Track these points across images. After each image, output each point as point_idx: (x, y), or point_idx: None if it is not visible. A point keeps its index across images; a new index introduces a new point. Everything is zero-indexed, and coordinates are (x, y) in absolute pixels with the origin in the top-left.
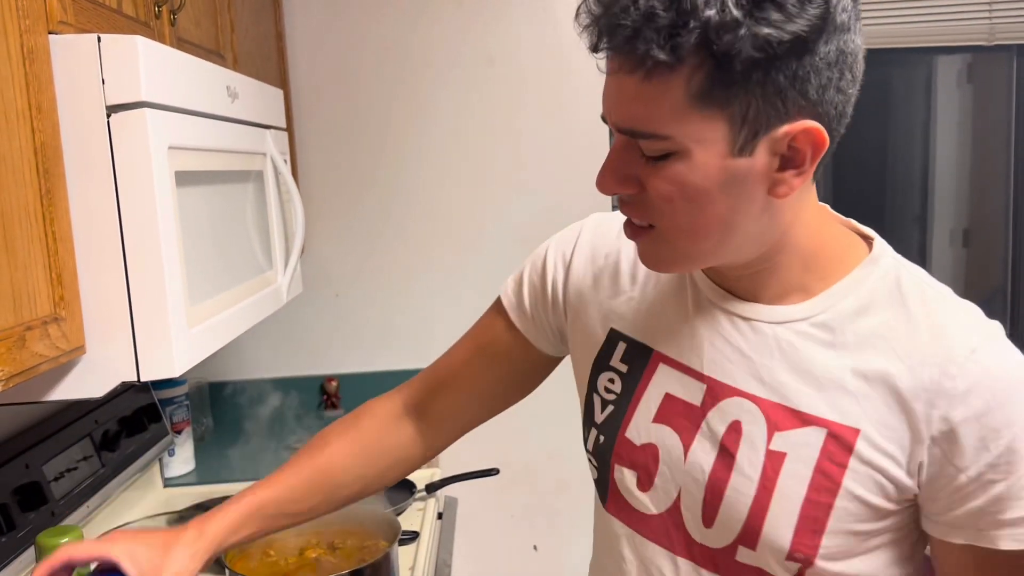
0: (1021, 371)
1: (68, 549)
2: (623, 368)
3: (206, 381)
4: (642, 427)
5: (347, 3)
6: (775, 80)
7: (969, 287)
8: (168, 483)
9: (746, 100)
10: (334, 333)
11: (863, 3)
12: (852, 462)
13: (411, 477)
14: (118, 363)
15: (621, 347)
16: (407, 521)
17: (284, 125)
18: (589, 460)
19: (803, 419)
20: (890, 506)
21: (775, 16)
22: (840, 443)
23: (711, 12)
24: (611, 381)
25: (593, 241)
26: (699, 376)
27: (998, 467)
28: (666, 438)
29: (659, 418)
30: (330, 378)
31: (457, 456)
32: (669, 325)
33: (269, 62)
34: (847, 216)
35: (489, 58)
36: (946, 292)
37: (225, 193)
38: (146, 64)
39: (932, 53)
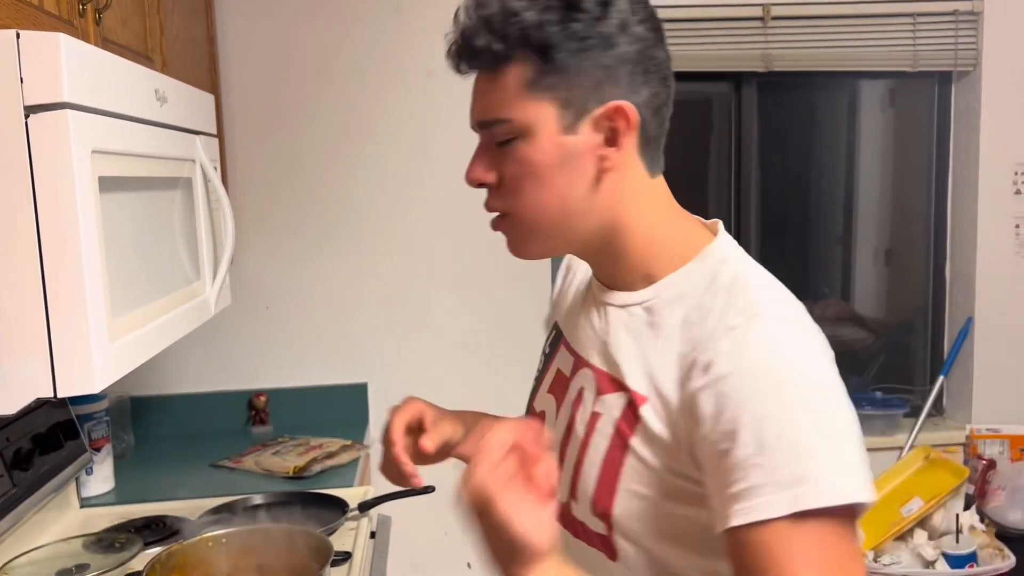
0: (771, 350)
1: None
2: (548, 350)
3: (127, 396)
4: (542, 398)
5: (281, 8)
6: (589, 69)
7: (891, 304)
8: (85, 503)
9: (567, 86)
10: (263, 347)
11: (796, 27)
12: (638, 426)
13: (344, 496)
14: (33, 378)
15: (552, 333)
16: (339, 541)
17: (215, 131)
18: None
19: (616, 385)
20: (679, 482)
21: (583, 17)
22: (634, 408)
23: (530, 14)
24: (540, 361)
25: (570, 264)
26: (571, 351)
27: (726, 434)
28: (549, 405)
29: (550, 389)
30: (258, 393)
31: None
32: (574, 316)
33: (200, 67)
34: (772, 234)
35: (428, 70)
36: (755, 283)
37: (151, 201)
38: (69, 63)
39: (856, 78)
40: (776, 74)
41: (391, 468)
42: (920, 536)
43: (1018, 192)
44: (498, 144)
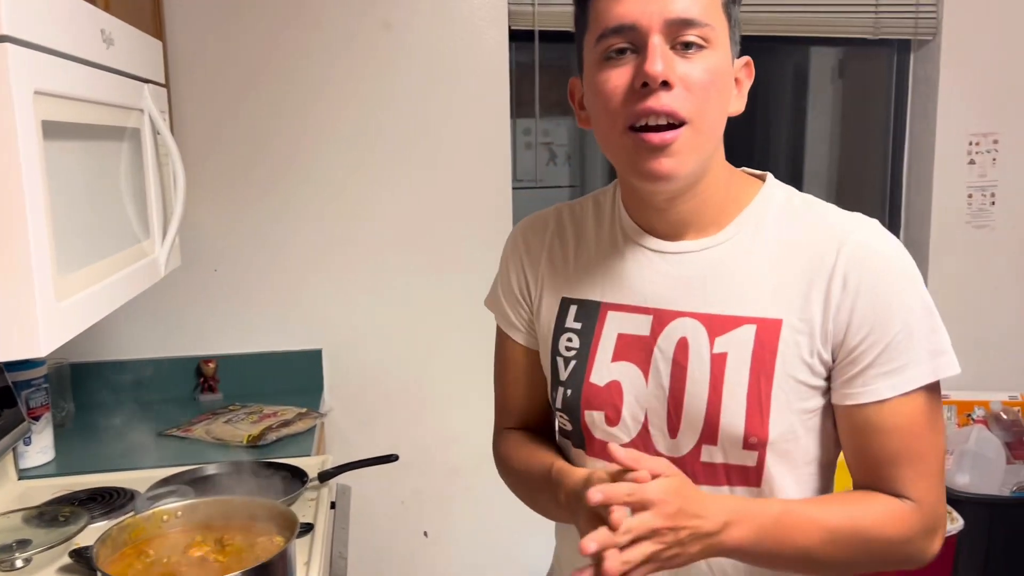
0: (892, 246)
1: None
2: (577, 326)
3: (67, 362)
4: (603, 370)
5: None
6: (736, 20)
7: None
8: (24, 475)
9: (733, 25)
10: (212, 310)
11: None
12: (780, 347)
13: (302, 465)
14: None
15: (572, 309)
16: (300, 512)
17: (163, 80)
18: (559, 417)
19: (735, 322)
20: (819, 382)
21: None
22: (768, 334)
23: None
24: (569, 340)
25: (527, 238)
26: (644, 310)
27: (879, 324)
28: (626, 372)
29: (617, 357)
30: (207, 359)
31: (348, 441)
32: (610, 277)
33: (143, 11)
34: None
35: (386, 23)
36: (829, 204)
37: (98, 151)
38: None
39: (806, 45)
40: None
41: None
42: None
43: (972, 162)
44: (682, 46)
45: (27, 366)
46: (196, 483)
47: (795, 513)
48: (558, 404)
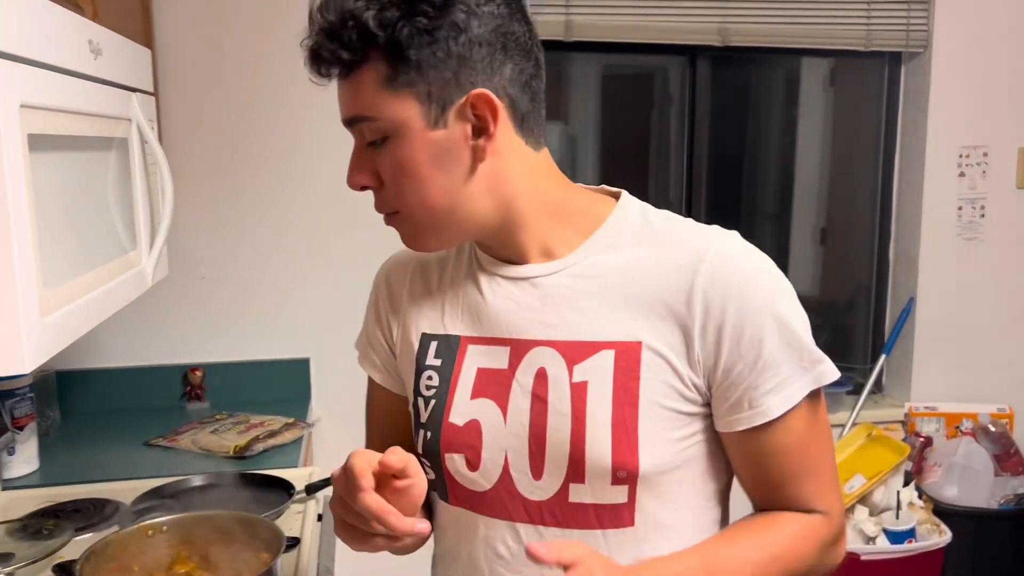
0: (753, 260)
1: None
2: (437, 363)
3: (53, 370)
4: (462, 408)
5: None
6: (443, 60)
7: (827, 283)
8: (7, 485)
9: (425, 80)
10: (199, 319)
11: (753, 2)
12: (643, 371)
13: (288, 477)
14: None
15: (433, 346)
16: (286, 525)
17: (152, 89)
18: (422, 464)
19: (593, 347)
20: (693, 408)
21: (427, 8)
22: (628, 358)
23: (370, 14)
24: (429, 378)
25: (389, 278)
26: (501, 341)
27: (753, 342)
28: (485, 409)
29: (476, 393)
30: (194, 368)
31: (336, 452)
32: (467, 310)
33: (132, 18)
34: (713, 209)
35: None
36: (688, 220)
37: (84, 163)
38: None
39: (797, 56)
40: (726, 50)
41: (355, 526)
42: (861, 512)
43: (962, 174)
44: (370, 144)
45: (11, 376)
46: (181, 495)
47: (718, 556)
48: (419, 448)
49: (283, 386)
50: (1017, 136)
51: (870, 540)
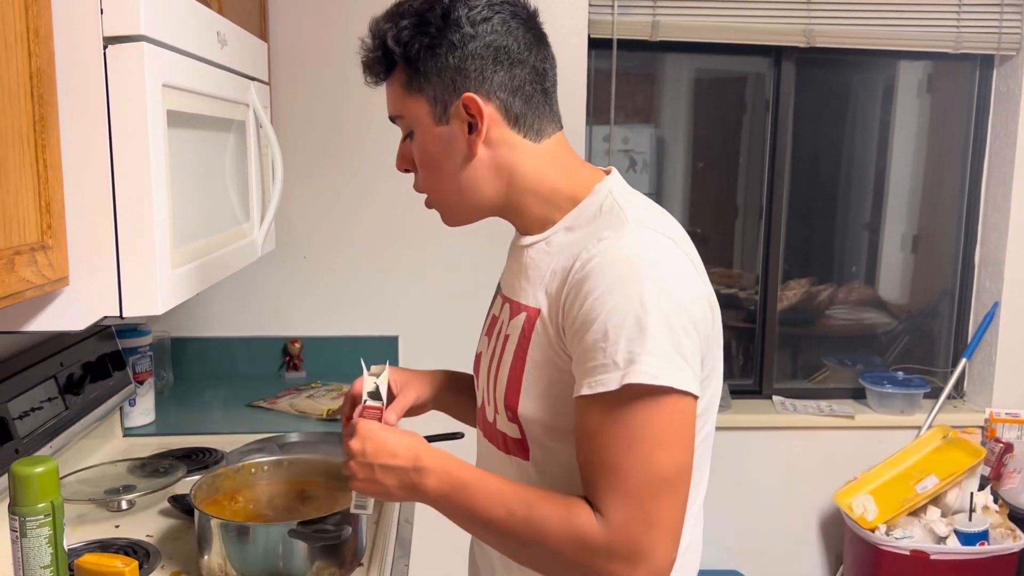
0: (622, 253)
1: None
2: (490, 306)
3: (168, 336)
4: (480, 341)
5: None
6: (443, 70)
7: (915, 289)
8: (128, 433)
9: (431, 86)
10: (300, 295)
11: (840, 3)
12: (533, 335)
13: None
14: (101, 297)
15: (496, 292)
16: None
17: (267, 79)
18: None
19: (519, 308)
20: (566, 376)
21: (431, 31)
22: (530, 322)
23: (391, 35)
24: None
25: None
26: (501, 295)
27: (587, 322)
28: (484, 345)
29: (486, 332)
30: (293, 340)
31: (416, 423)
32: (506, 269)
33: (251, 15)
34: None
35: None
36: (629, 206)
37: (209, 140)
38: None
39: (894, 59)
40: (814, 51)
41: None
42: (933, 513)
43: None
44: (406, 137)
45: (135, 334)
46: (280, 448)
47: (486, 483)
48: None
49: (373, 360)
50: None
51: (941, 540)
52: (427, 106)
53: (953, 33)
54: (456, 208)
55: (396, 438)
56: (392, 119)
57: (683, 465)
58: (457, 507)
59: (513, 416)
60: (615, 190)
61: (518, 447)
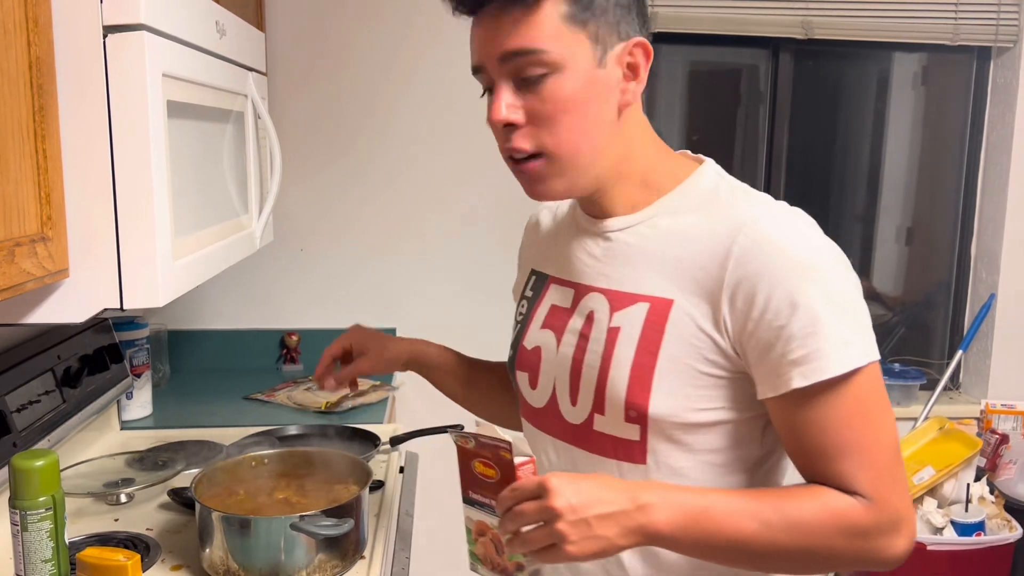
0: (791, 234)
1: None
2: (530, 294)
3: (165, 328)
4: (533, 335)
5: None
6: (613, 7)
7: (910, 281)
8: (125, 426)
9: (597, 22)
10: (297, 287)
11: None
12: (668, 327)
13: (375, 430)
14: (101, 289)
15: (532, 279)
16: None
17: (265, 69)
18: (510, 376)
19: (632, 299)
20: (712, 369)
21: None
22: (658, 313)
23: None
24: (522, 306)
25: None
26: (569, 284)
27: (781, 312)
28: (547, 339)
29: (544, 325)
30: (291, 332)
31: (416, 415)
32: (559, 254)
33: (247, 5)
34: (800, 202)
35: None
36: (757, 192)
37: (208, 131)
38: None
39: (889, 51)
40: (810, 43)
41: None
42: (930, 504)
43: None
44: (522, 80)
45: (132, 327)
46: (278, 440)
47: (727, 502)
48: (508, 363)
49: None
50: None
51: (938, 531)
52: (588, 44)
53: (951, 25)
54: (579, 170)
55: (597, 482)
56: (513, 55)
57: (895, 426)
58: (700, 537)
59: (638, 416)
60: (724, 175)
61: (633, 450)
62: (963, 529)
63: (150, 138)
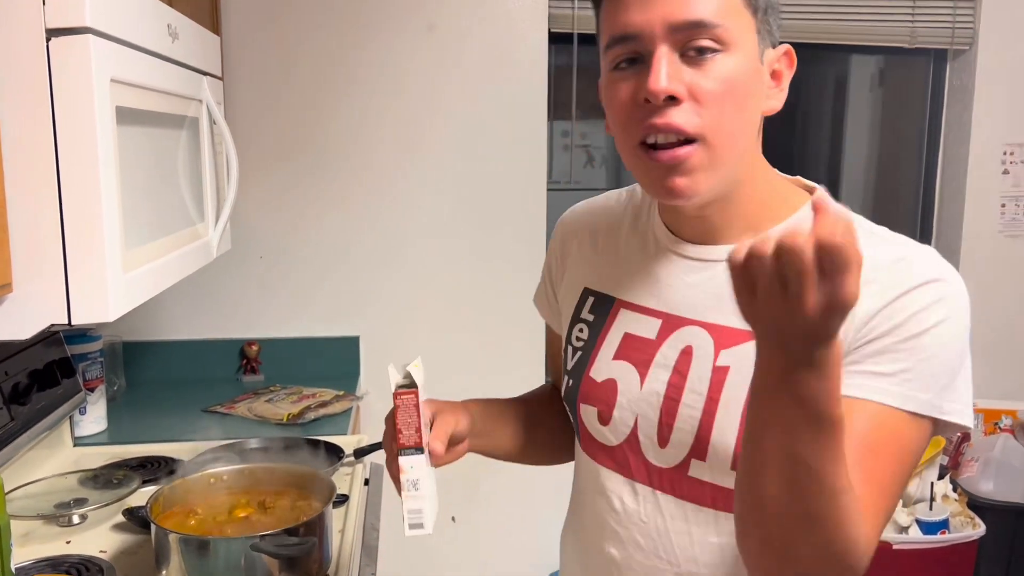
0: (953, 276)
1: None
2: (590, 318)
3: (120, 339)
4: (603, 366)
5: None
6: (774, 6)
7: None
8: (78, 442)
9: (763, 15)
10: (257, 296)
11: None
12: None
13: (339, 442)
14: (47, 304)
15: (590, 300)
16: (336, 484)
17: (220, 73)
18: (566, 406)
19: (745, 336)
20: None
21: None
22: None
23: None
24: (580, 331)
25: (567, 229)
26: (655, 313)
27: (896, 329)
28: (625, 372)
29: (619, 355)
30: (251, 342)
31: (380, 424)
32: (631, 276)
33: (202, 9)
34: None
35: (429, 23)
36: (881, 229)
37: (161, 137)
38: None
39: (847, 53)
40: None
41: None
42: None
43: (1006, 171)
44: (690, 53)
45: (85, 340)
46: (239, 455)
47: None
48: (562, 392)
49: (334, 362)
50: None
51: (903, 530)
52: (755, 32)
53: (908, 27)
54: (729, 165)
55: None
56: (689, 25)
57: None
58: (807, 428)
59: None
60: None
61: (729, 500)
62: (928, 527)
63: (98, 146)
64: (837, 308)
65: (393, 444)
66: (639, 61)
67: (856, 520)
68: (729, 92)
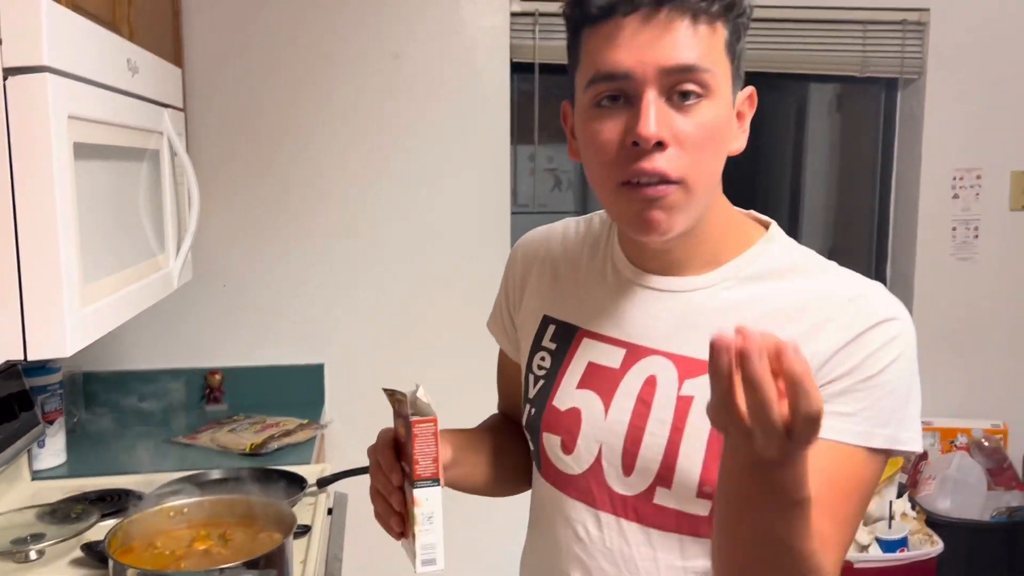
0: (903, 314)
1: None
2: (552, 346)
3: (80, 370)
4: (567, 395)
5: None
6: (742, 51)
7: None
8: (37, 476)
9: (736, 61)
10: (219, 325)
11: (753, 29)
12: None
13: (302, 472)
14: (3, 339)
15: (551, 329)
16: (298, 515)
17: (181, 105)
18: (526, 434)
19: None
20: None
21: (747, 6)
22: None
23: None
24: (542, 359)
25: (525, 255)
26: (618, 343)
27: (855, 370)
28: (589, 400)
29: (583, 384)
30: (213, 371)
31: (347, 452)
32: (592, 306)
33: (164, 40)
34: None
35: (394, 53)
36: (831, 264)
37: (120, 171)
38: (50, 27)
39: (805, 81)
40: None
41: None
42: None
43: (956, 196)
44: (673, 98)
45: (43, 372)
46: (200, 486)
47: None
48: (524, 421)
49: (298, 390)
50: (1009, 159)
51: (863, 548)
52: (731, 78)
53: (859, 57)
54: (702, 205)
55: None
56: (682, 69)
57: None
58: (775, 509)
59: (711, 493)
60: (792, 241)
61: (700, 525)
62: (887, 545)
63: (54, 183)
64: (810, 424)
65: (391, 476)
66: (622, 99)
67: (822, 565)
68: (709, 138)
